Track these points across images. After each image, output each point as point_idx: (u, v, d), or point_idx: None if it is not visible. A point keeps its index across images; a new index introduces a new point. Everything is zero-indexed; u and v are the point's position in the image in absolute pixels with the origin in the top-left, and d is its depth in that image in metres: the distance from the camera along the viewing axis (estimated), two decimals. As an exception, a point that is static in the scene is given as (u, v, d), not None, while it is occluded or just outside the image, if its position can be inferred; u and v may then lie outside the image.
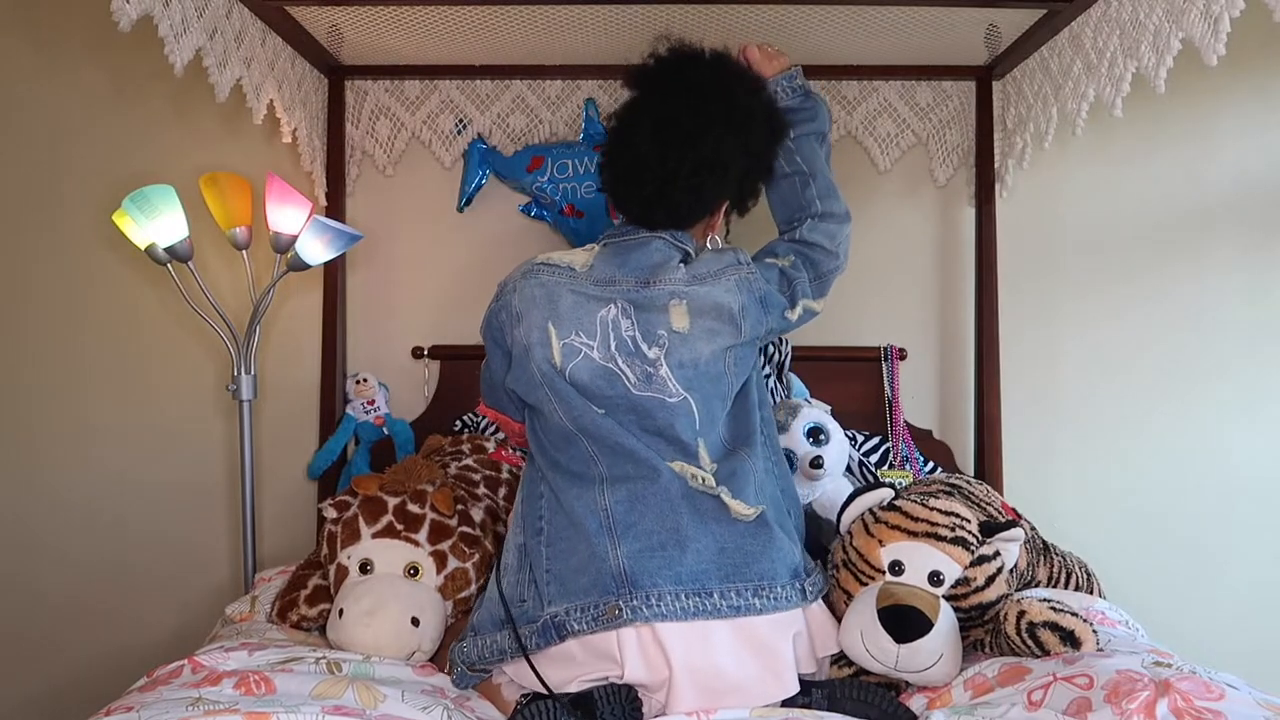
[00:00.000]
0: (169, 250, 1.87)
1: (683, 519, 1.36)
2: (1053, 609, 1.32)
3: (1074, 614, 1.32)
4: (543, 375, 1.44)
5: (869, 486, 1.50)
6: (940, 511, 1.42)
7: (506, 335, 1.49)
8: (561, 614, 1.34)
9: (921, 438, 2.20)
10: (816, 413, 1.93)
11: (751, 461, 1.44)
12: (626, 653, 1.30)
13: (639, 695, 1.30)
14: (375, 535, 1.61)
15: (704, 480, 1.39)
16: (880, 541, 1.42)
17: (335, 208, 2.18)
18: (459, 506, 1.69)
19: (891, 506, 1.46)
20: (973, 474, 2.16)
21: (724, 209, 1.60)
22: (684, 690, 1.28)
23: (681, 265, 1.49)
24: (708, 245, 1.58)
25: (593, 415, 1.42)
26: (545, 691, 1.34)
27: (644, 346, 1.43)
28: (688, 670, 1.29)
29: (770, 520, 1.40)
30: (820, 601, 1.42)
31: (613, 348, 1.43)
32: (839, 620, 1.42)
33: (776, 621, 1.34)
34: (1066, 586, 1.76)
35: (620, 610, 1.30)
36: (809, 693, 1.32)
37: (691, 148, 1.45)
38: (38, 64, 2.27)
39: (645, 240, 1.50)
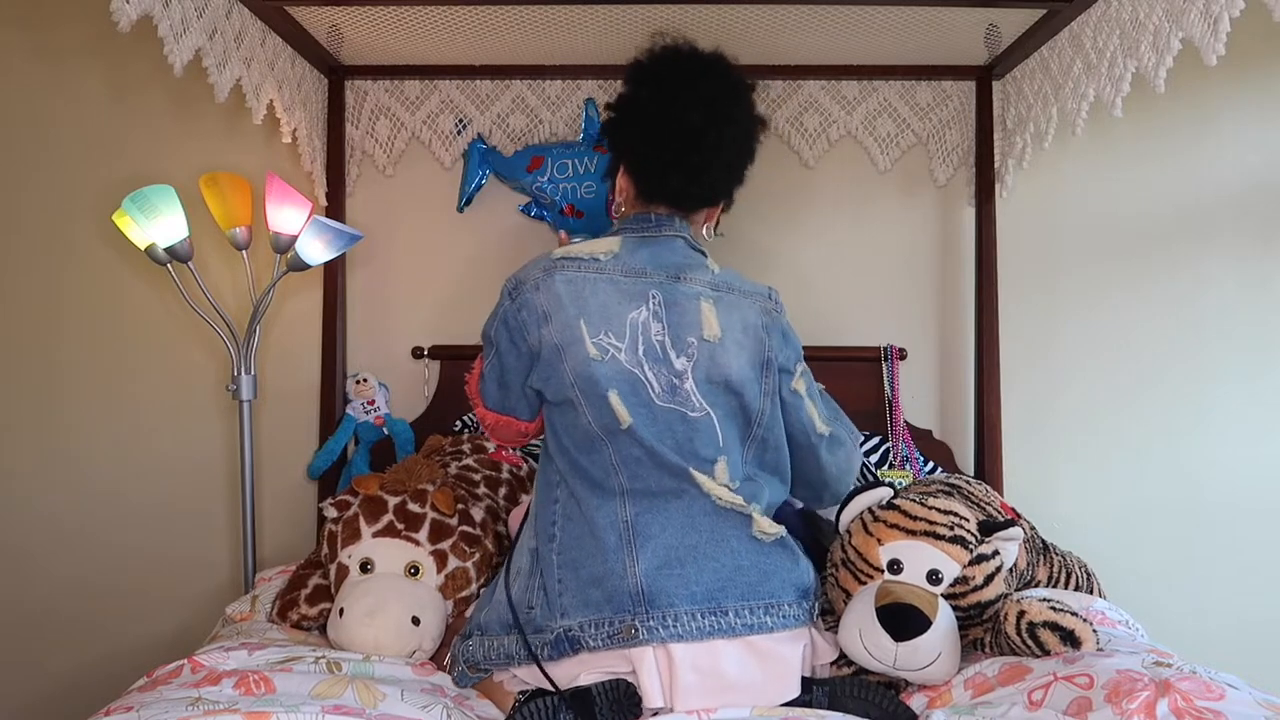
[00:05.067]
0: (169, 250, 1.87)
1: (702, 536, 1.35)
2: (1052, 609, 1.32)
3: (1074, 614, 1.32)
4: (575, 375, 1.40)
5: (868, 486, 1.50)
6: (939, 510, 1.42)
7: (529, 334, 1.43)
8: (576, 628, 1.32)
9: (921, 438, 2.20)
10: (816, 413, 1.93)
11: (767, 490, 1.44)
12: (641, 672, 1.29)
13: (638, 691, 1.31)
14: (376, 535, 1.61)
15: (730, 499, 1.37)
16: (879, 540, 1.42)
17: (335, 208, 2.18)
18: (459, 506, 1.69)
19: (890, 505, 1.46)
20: (973, 474, 2.16)
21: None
22: (689, 691, 1.28)
23: (709, 270, 1.49)
24: (705, 236, 1.60)
25: (617, 422, 1.38)
26: (548, 689, 1.34)
27: (672, 355, 1.41)
28: (694, 673, 1.29)
29: (787, 540, 1.40)
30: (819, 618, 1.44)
31: (640, 353, 1.41)
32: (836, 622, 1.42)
33: (782, 637, 1.34)
34: (1066, 586, 1.76)
35: (636, 630, 1.29)
36: (810, 690, 1.33)
37: (731, 120, 1.49)
38: (37, 64, 2.27)
39: (669, 238, 1.50)
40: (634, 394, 1.39)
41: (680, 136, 1.47)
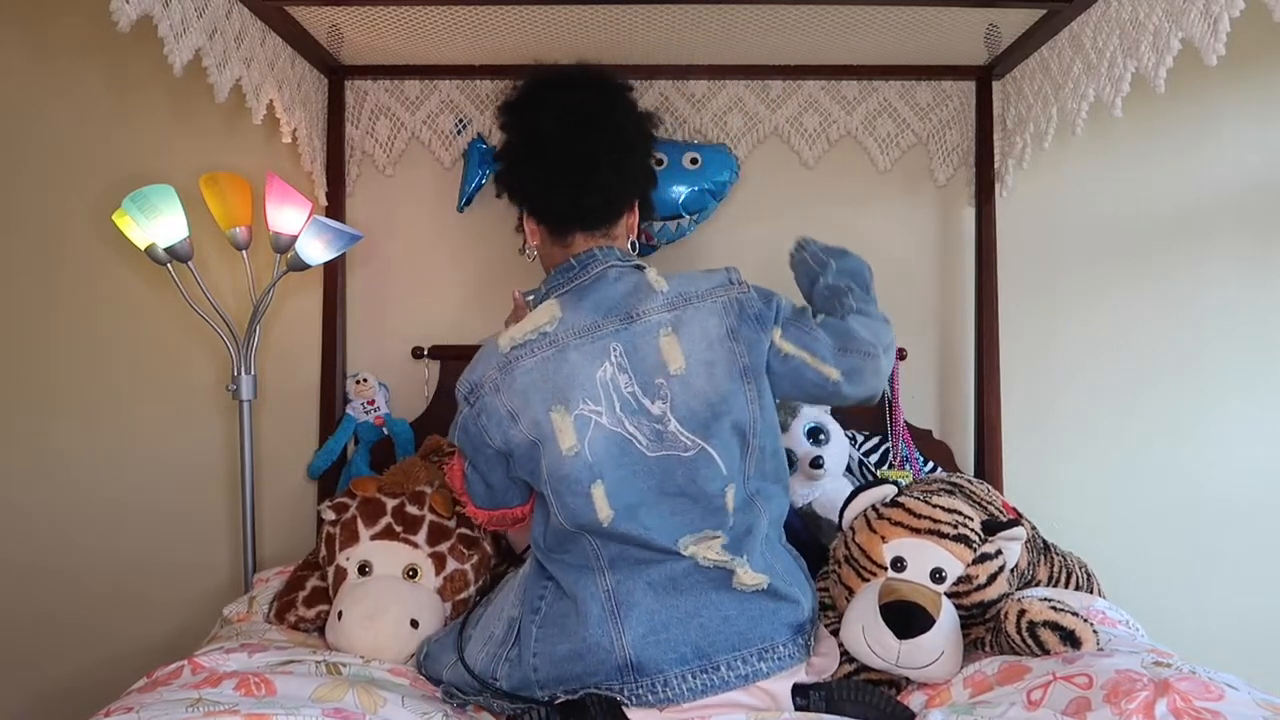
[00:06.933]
0: (169, 250, 1.87)
1: (684, 596, 1.31)
2: (1053, 608, 1.32)
3: (1074, 613, 1.32)
4: (550, 474, 1.34)
5: (872, 483, 1.50)
6: (943, 509, 1.43)
7: (493, 438, 1.37)
8: (560, 695, 1.31)
9: (921, 438, 2.20)
10: (816, 412, 1.93)
11: (766, 513, 1.38)
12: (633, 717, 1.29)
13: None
14: (374, 537, 1.61)
15: (714, 558, 1.32)
16: (883, 538, 1.42)
17: (335, 208, 2.17)
18: (457, 508, 1.69)
19: (894, 503, 1.46)
20: (973, 474, 2.16)
21: (635, 207, 1.53)
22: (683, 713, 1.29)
23: (656, 291, 1.39)
24: (628, 249, 1.51)
25: (597, 521, 1.32)
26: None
27: (646, 402, 1.34)
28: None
29: (775, 582, 1.33)
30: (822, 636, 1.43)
31: (619, 410, 1.34)
32: (838, 619, 1.42)
33: (779, 677, 1.32)
34: (1066, 586, 1.76)
35: (624, 703, 1.28)
36: (806, 694, 1.33)
37: (602, 128, 1.44)
38: (37, 64, 2.27)
39: (599, 275, 1.40)
40: (624, 454, 1.33)
41: (545, 148, 1.43)
